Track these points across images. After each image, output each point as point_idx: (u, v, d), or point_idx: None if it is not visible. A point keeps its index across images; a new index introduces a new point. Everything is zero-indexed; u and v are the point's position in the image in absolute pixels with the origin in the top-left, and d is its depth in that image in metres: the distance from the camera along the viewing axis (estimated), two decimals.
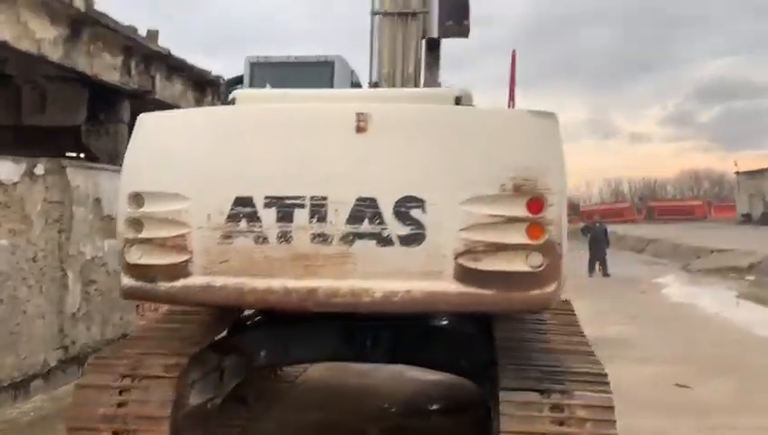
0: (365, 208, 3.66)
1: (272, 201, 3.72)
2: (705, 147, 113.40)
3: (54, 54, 7.28)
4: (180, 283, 3.84)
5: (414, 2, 6.38)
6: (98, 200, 7.39)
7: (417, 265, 3.64)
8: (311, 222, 3.68)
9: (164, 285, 3.88)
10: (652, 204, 59.86)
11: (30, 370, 6.35)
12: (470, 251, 3.62)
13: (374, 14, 6.33)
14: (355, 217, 3.66)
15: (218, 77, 10.79)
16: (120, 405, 3.97)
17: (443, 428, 5.74)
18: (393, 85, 6.20)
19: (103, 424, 3.90)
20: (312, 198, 3.69)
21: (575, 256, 20.57)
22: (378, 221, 3.65)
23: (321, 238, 3.68)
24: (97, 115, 9.23)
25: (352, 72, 6.80)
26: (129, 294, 4.06)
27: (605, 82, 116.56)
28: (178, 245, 3.83)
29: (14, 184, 6.20)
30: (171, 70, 9.79)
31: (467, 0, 7.86)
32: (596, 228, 19.59)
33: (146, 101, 9.42)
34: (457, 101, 4.22)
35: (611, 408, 3.67)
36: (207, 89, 11.68)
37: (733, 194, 57.45)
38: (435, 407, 6.22)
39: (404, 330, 5.19)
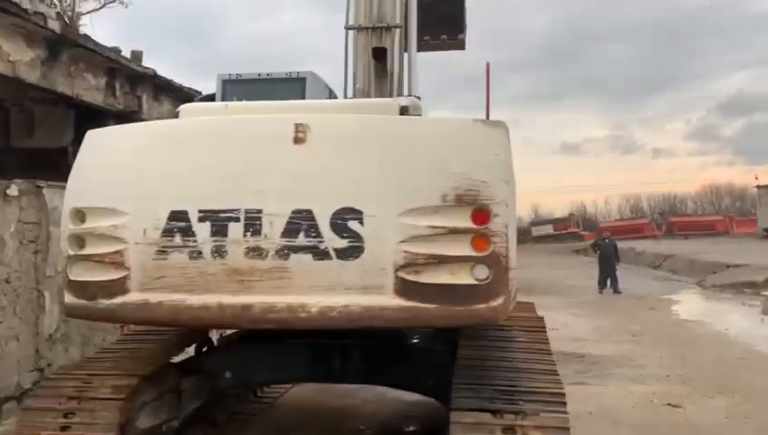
0: (301, 221, 3.55)
1: (206, 215, 3.63)
2: (728, 161, 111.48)
3: (31, 76, 7.30)
4: (119, 300, 3.77)
5: (388, 16, 6.27)
6: None
7: (356, 278, 3.52)
8: (245, 236, 3.58)
9: (103, 303, 3.81)
10: (672, 219, 58.95)
11: (3, 392, 6.26)
12: (411, 264, 3.49)
13: (347, 28, 6.25)
14: (290, 230, 3.56)
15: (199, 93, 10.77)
16: (63, 428, 3.89)
17: None
18: None
19: None
20: (246, 211, 3.60)
21: (586, 273, 20.61)
22: (314, 234, 3.54)
23: (256, 253, 3.58)
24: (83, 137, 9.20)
25: (328, 88, 6.71)
26: (70, 312, 4.01)
27: (626, 97, 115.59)
28: (116, 261, 3.76)
29: None
30: (158, 90, 9.82)
31: (463, 14, 7.86)
32: (605, 244, 19.26)
33: (134, 121, 9.40)
34: (403, 111, 4.12)
35: (566, 429, 3.52)
36: None
37: (754, 208, 56.30)
38: (411, 428, 6.04)
39: (374, 349, 5.01)
